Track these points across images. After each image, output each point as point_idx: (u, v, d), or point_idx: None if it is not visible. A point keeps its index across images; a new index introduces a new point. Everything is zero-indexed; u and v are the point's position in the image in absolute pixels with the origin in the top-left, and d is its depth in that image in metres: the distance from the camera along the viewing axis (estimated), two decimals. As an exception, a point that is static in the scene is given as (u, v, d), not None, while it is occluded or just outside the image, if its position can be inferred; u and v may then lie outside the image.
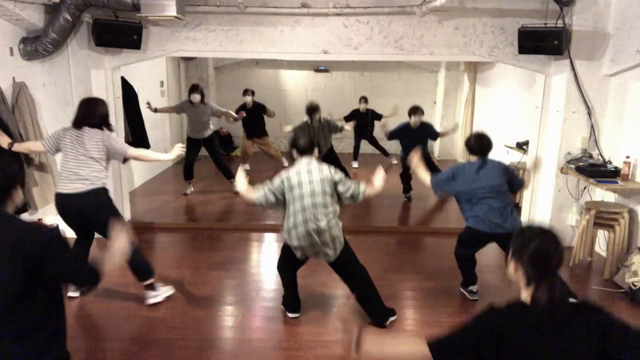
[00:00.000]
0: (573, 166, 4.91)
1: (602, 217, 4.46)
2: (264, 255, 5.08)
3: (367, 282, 3.62)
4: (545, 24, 4.81)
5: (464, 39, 5.14)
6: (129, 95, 6.24)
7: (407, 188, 7.21)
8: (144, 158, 4.02)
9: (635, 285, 3.98)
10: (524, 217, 5.48)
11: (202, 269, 4.59)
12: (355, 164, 9.65)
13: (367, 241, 5.31)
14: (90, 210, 3.61)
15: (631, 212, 4.48)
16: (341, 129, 6.93)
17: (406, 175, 7.22)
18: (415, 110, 6.85)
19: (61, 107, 5.03)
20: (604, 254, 4.77)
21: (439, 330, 1.69)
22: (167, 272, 4.53)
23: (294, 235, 3.42)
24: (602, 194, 4.94)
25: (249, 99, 7.78)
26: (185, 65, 9.69)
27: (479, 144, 3.92)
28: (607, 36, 4.82)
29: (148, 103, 6.59)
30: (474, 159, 3.92)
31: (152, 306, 3.86)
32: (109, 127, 3.81)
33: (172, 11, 4.52)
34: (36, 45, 4.61)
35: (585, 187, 5.09)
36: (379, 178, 3.44)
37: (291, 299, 3.79)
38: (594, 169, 4.62)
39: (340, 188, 3.43)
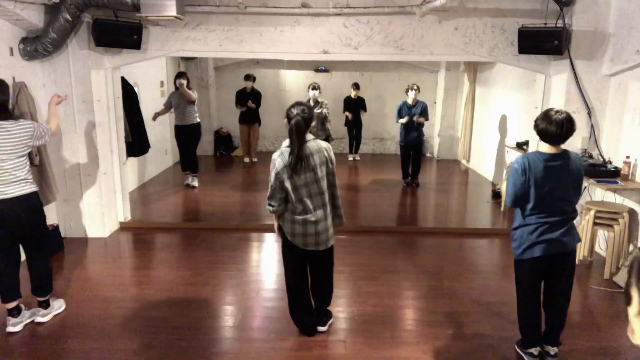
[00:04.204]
0: (573, 166, 4.92)
1: (602, 217, 4.45)
2: (264, 255, 5.08)
3: None
4: (545, 24, 4.82)
5: (464, 39, 5.14)
6: (129, 95, 6.25)
7: (413, 174, 7.69)
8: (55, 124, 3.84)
9: (635, 285, 3.97)
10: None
11: (202, 269, 4.59)
12: (350, 157, 9.88)
13: (367, 241, 5.32)
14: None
15: (631, 212, 4.48)
16: (323, 117, 7.50)
17: (407, 163, 7.68)
18: (411, 87, 7.36)
19: (61, 107, 5.03)
20: (604, 254, 4.77)
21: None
22: (167, 272, 4.54)
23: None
24: (602, 194, 4.95)
25: (249, 84, 8.70)
26: (185, 65, 9.69)
27: (555, 125, 2.74)
28: (607, 36, 4.82)
29: (155, 115, 7.20)
30: (546, 148, 2.85)
31: (150, 307, 3.87)
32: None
33: (172, 11, 4.52)
34: (36, 45, 4.61)
35: (585, 187, 5.09)
36: None
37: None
38: (594, 169, 4.62)
39: None
